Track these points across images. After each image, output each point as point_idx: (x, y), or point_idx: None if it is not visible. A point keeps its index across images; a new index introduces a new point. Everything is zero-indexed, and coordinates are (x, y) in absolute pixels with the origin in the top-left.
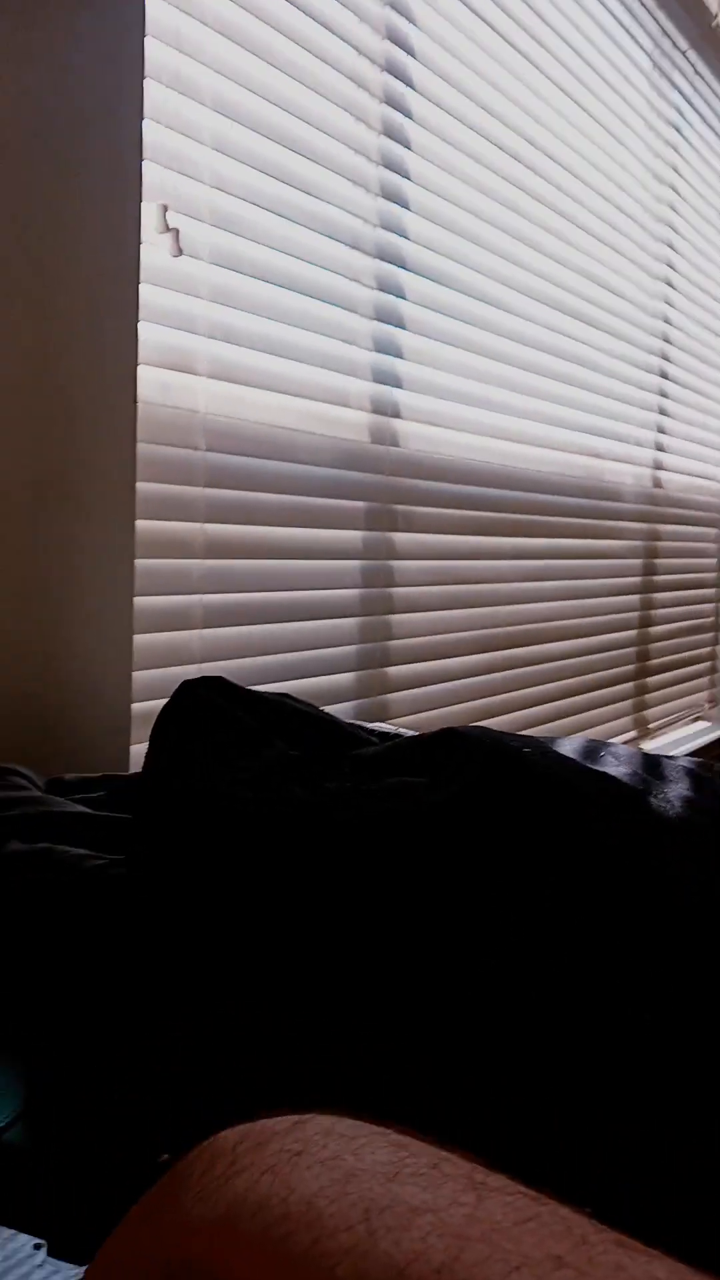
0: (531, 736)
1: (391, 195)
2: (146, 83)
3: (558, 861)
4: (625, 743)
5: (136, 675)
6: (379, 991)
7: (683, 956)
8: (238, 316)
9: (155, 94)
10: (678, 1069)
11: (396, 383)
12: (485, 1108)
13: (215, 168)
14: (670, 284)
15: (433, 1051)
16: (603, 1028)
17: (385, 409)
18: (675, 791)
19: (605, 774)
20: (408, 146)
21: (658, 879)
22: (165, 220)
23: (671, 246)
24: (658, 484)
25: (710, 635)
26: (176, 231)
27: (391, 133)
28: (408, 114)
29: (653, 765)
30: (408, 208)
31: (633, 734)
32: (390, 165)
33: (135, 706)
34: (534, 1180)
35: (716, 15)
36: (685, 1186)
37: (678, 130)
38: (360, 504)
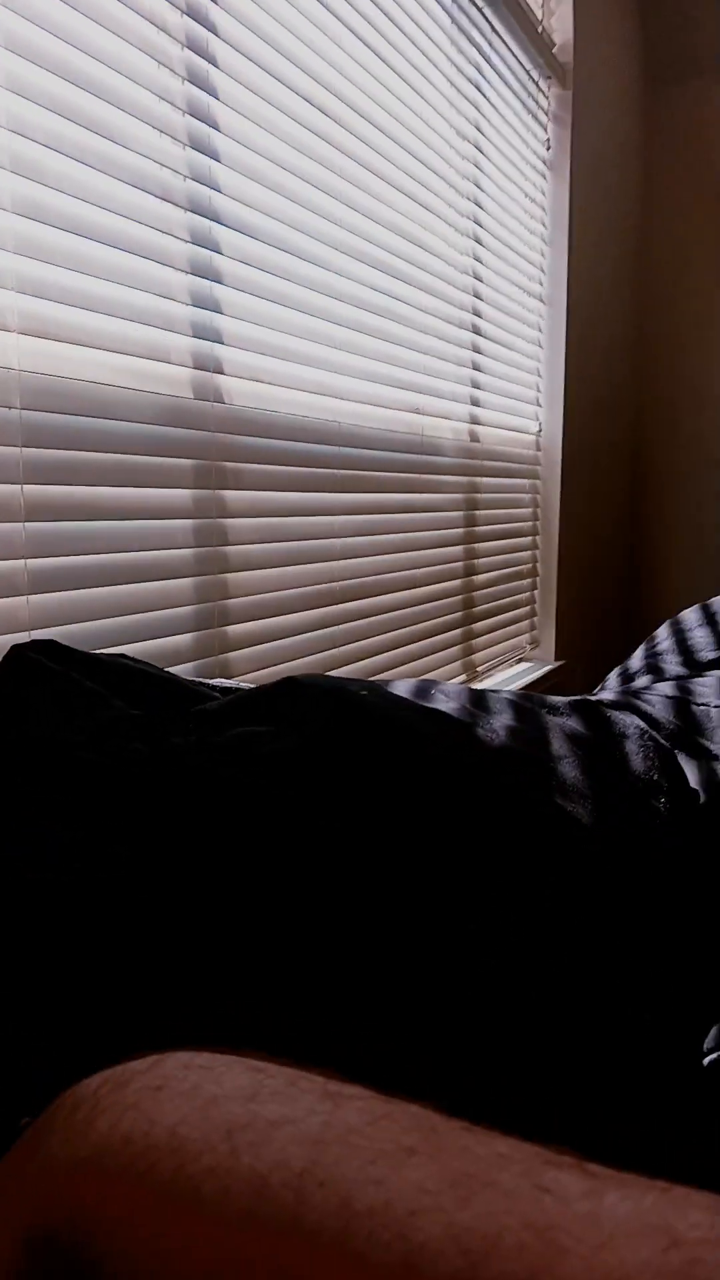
0: (368, 680)
1: (201, 146)
2: None
3: (399, 793)
4: None
5: None
6: (229, 937)
7: (516, 862)
8: (48, 270)
9: None
10: (513, 972)
11: (217, 338)
12: (334, 1028)
13: (10, 109)
14: (479, 240)
15: (286, 991)
16: (443, 943)
17: (207, 364)
18: (500, 722)
19: (437, 710)
20: (215, 95)
21: (489, 798)
22: None
23: (478, 204)
24: (474, 438)
25: (529, 581)
26: None
27: (197, 80)
28: (213, 61)
29: (479, 699)
30: (218, 160)
31: (462, 677)
32: (198, 114)
33: None
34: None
35: None
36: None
37: (478, 88)
38: (188, 462)
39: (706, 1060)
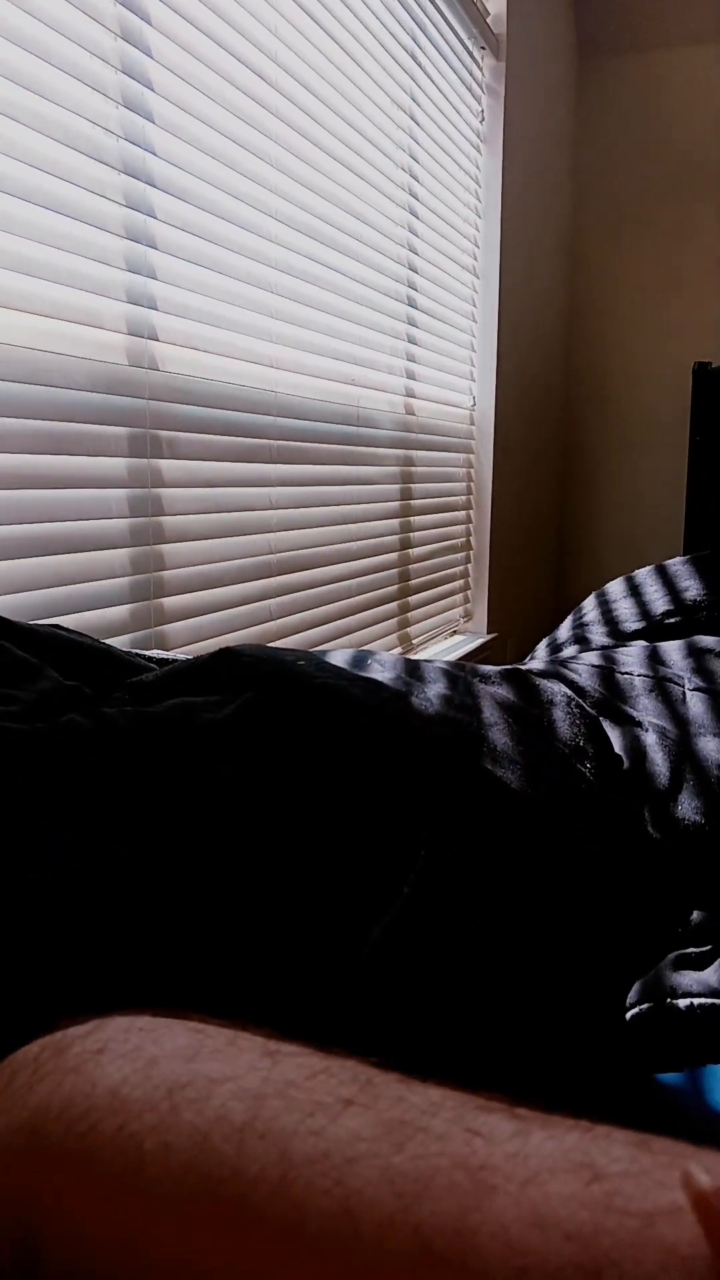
0: (304, 650)
1: (134, 106)
2: None
3: (334, 759)
4: None
5: None
6: (169, 902)
7: (448, 826)
8: None
9: None
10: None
11: (152, 304)
12: (270, 988)
13: None
14: (413, 213)
15: (222, 953)
16: (375, 903)
17: (141, 330)
18: (434, 690)
19: (373, 679)
20: (149, 54)
21: (423, 765)
22: None
23: (413, 175)
24: (410, 410)
25: (462, 555)
26: None
27: (131, 38)
28: (146, 19)
29: (414, 669)
30: (152, 121)
31: (398, 650)
32: (131, 73)
33: None
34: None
35: None
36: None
37: (413, 58)
38: (122, 430)
39: (629, 1014)
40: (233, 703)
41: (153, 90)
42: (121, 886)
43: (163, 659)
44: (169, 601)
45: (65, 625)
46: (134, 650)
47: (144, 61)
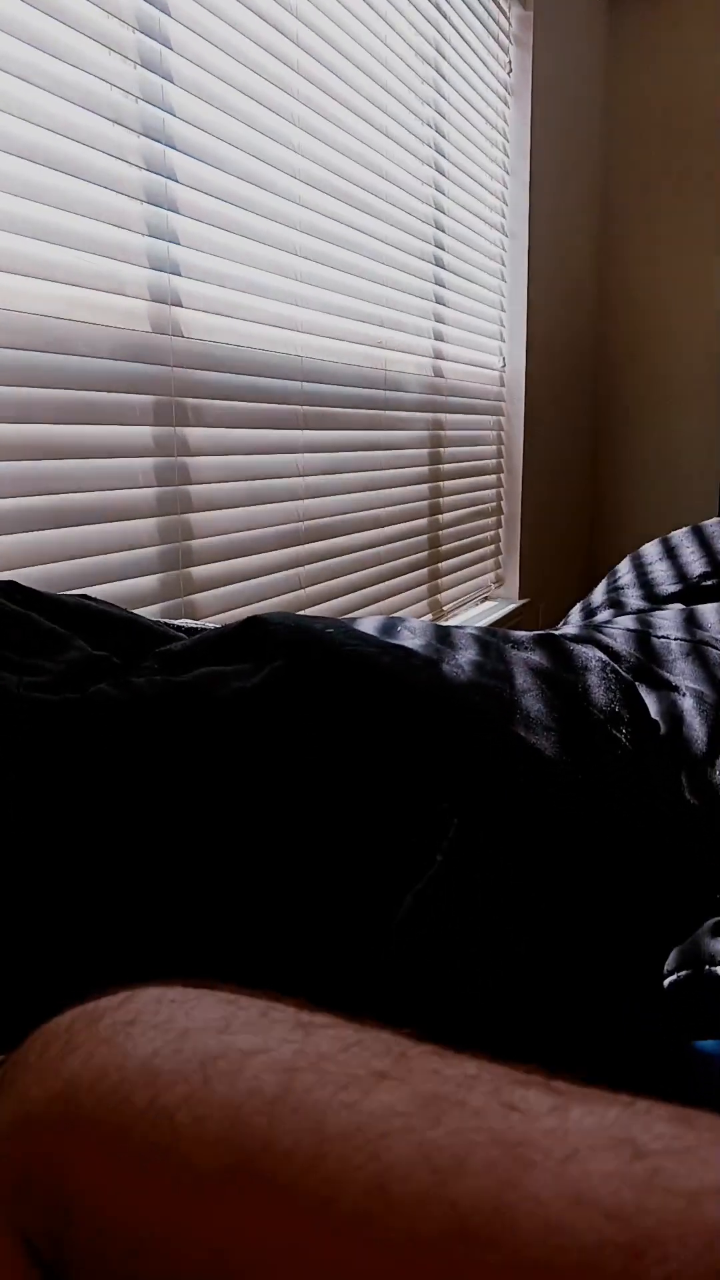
0: (334, 618)
1: (153, 66)
2: None
3: (365, 727)
4: None
5: None
6: (199, 873)
7: (482, 794)
8: None
9: None
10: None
11: (175, 270)
12: (302, 958)
13: None
14: (440, 170)
15: (250, 922)
16: (407, 872)
17: (165, 297)
18: (465, 657)
19: (403, 646)
20: (166, 11)
21: (455, 732)
22: None
23: (439, 131)
24: (439, 373)
25: (493, 520)
26: None
27: None
28: None
29: (444, 635)
30: (171, 81)
31: (428, 617)
32: (148, 32)
33: None
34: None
35: None
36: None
37: (437, 7)
38: (147, 398)
39: (667, 982)
40: (261, 671)
41: (171, 49)
42: (152, 856)
43: (192, 628)
44: (197, 571)
45: (93, 595)
46: (163, 620)
47: (161, 19)
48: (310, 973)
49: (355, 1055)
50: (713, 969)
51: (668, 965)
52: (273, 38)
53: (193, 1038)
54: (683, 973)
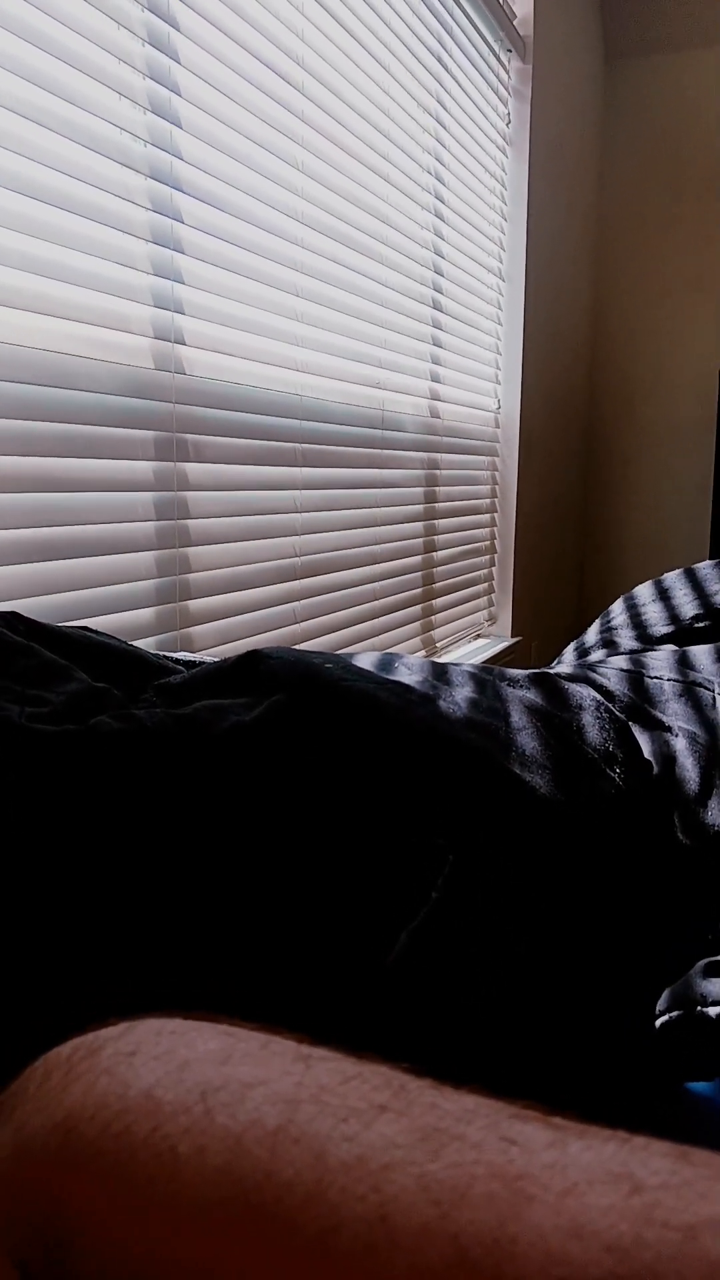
0: (332, 653)
1: (161, 111)
2: None
3: (362, 763)
4: None
5: None
6: (198, 906)
7: (476, 831)
8: (3, 234)
9: None
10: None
11: (178, 308)
12: (302, 992)
13: None
14: (439, 216)
15: (247, 957)
16: (403, 910)
17: (168, 334)
18: (461, 694)
19: (400, 682)
20: (176, 60)
21: (450, 770)
22: None
23: (439, 179)
24: (435, 414)
25: (486, 559)
26: None
27: (158, 43)
28: (174, 25)
29: (440, 672)
30: (180, 126)
31: (422, 653)
32: (158, 79)
33: None
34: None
35: None
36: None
37: (439, 61)
38: (148, 433)
39: (658, 1022)
40: (260, 705)
41: (180, 95)
42: (151, 888)
43: (190, 661)
44: (195, 604)
45: (93, 627)
46: (161, 652)
47: (171, 66)
48: (308, 1006)
49: (355, 1088)
50: (704, 1010)
51: (660, 1005)
52: (279, 86)
53: (194, 1069)
54: (674, 1013)
